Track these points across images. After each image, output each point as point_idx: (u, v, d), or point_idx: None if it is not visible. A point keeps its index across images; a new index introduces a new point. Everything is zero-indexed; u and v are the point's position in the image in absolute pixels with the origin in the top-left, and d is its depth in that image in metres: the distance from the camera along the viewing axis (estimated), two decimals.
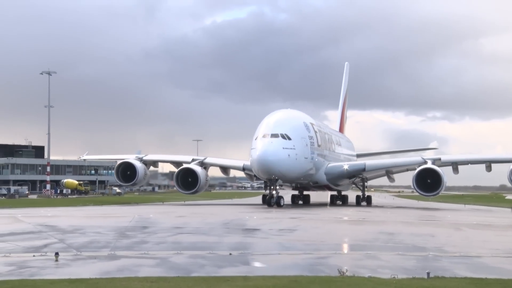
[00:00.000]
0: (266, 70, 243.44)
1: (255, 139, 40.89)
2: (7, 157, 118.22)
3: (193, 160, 50.56)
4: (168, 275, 10.73)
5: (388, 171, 51.39)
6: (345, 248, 16.18)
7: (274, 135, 40.49)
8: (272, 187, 41.41)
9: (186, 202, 51.79)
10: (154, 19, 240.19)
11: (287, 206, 45.34)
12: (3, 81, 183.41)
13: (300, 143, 41.87)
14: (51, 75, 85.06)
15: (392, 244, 16.65)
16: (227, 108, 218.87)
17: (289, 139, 40.66)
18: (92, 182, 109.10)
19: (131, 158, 51.76)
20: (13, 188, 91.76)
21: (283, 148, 40.01)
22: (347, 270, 11.15)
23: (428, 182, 43.14)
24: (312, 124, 46.46)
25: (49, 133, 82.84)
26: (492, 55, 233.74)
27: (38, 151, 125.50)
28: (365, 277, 10.73)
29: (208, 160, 51.01)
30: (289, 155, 40.13)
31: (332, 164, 49.49)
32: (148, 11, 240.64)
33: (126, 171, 50.24)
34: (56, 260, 12.31)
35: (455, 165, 47.10)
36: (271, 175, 40.42)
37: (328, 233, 20.76)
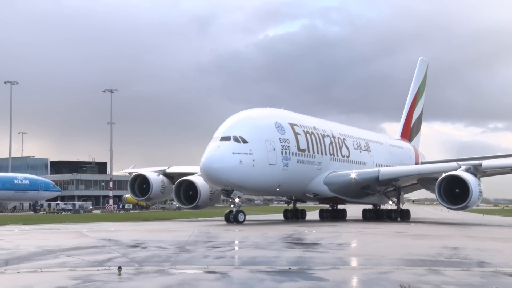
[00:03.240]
0: (319, 83, 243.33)
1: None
2: (72, 173, 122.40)
3: None
4: None
5: (421, 180, 43.58)
6: (407, 262, 15.77)
7: (224, 138, 34.85)
8: (230, 200, 36.16)
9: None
10: (206, 35, 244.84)
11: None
12: (68, 100, 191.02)
13: (263, 147, 35.59)
14: (113, 92, 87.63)
15: (457, 259, 16.14)
16: None
17: (245, 142, 34.74)
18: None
19: (148, 171, 47.47)
20: (77, 204, 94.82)
21: (233, 153, 34.20)
22: (409, 286, 10.87)
23: (457, 192, 37.11)
24: (293, 124, 39.35)
25: (111, 150, 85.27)
26: None
27: (101, 167, 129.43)
28: None
29: None
30: (241, 161, 34.12)
31: (335, 173, 42.63)
32: (200, 27, 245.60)
33: (143, 184, 46.06)
34: (119, 274, 12.55)
35: None
36: (219, 186, 35.31)
37: (388, 248, 20.34)
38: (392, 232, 29.54)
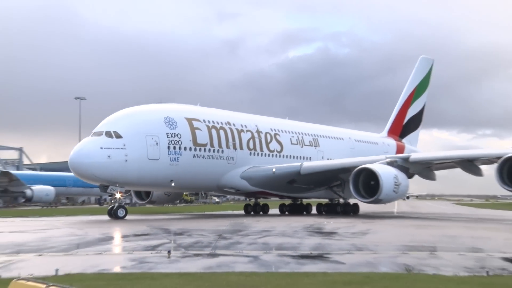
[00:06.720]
0: (333, 97, 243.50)
1: None
2: None
3: None
4: (259, 271, 10.79)
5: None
6: (411, 248, 15.58)
7: (96, 133, 30.26)
8: (111, 196, 31.75)
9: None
10: (236, 56, 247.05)
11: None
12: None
13: (141, 141, 30.43)
14: None
15: (454, 245, 15.86)
16: None
17: (119, 137, 29.87)
18: (197, 193, 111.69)
19: None
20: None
21: (102, 148, 29.27)
22: (413, 268, 10.75)
23: (372, 185, 31.92)
24: (191, 119, 33.72)
25: None
26: None
27: None
28: (430, 274, 10.30)
29: None
30: (109, 156, 29.17)
31: (254, 168, 36.64)
32: (231, 50, 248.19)
33: None
34: (169, 257, 12.70)
35: (437, 165, 35.40)
36: (91, 181, 30.44)
37: (396, 235, 20.11)
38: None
